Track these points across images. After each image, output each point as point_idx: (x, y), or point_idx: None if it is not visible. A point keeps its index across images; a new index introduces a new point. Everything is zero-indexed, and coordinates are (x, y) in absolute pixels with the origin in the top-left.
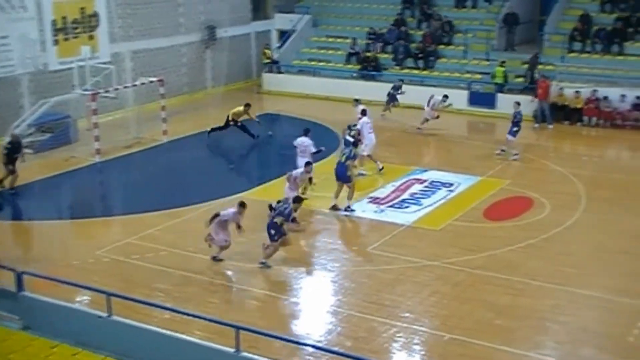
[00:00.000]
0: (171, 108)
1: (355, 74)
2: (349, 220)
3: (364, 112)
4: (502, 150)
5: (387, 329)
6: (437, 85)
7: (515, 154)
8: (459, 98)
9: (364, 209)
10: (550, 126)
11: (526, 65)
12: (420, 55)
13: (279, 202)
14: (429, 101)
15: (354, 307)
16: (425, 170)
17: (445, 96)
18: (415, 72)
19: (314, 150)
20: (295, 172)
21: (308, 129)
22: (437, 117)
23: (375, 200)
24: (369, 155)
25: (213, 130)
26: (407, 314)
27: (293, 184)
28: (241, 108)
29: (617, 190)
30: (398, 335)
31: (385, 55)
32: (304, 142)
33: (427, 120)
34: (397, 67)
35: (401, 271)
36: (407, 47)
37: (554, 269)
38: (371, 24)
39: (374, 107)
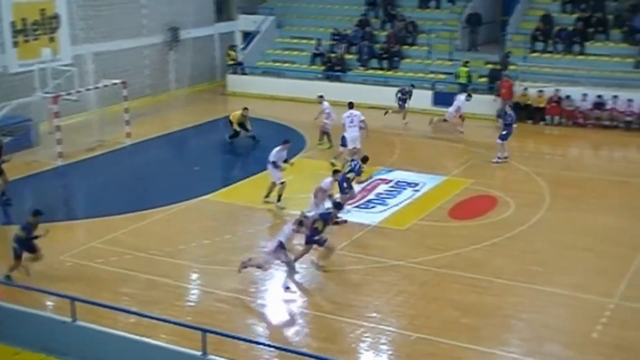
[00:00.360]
0: (134, 110)
1: (320, 75)
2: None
3: (350, 105)
4: (499, 158)
5: (354, 329)
6: (402, 85)
7: (498, 158)
8: (423, 98)
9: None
10: (514, 125)
11: (490, 65)
12: (384, 56)
13: (305, 215)
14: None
15: (320, 308)
16: (391, 171)
17: (469, 95)
18: (380, 72)
19: (272, 159)
20: (323, 184)
21: (287, 140)
22: (462, 118)
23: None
24: (352, 149)
25: (231, 137)
26: (374, 314)
27: (321, 197)
28: (239, 112)
29: (580, 189)
30: (365, 335)
31: (350, 56)
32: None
33: (445, 120)
34: (362, 68)
35: (367, 271)
36: (371, 47)
37: (518, 267)
38: (335, 24)
39: (338, 108)
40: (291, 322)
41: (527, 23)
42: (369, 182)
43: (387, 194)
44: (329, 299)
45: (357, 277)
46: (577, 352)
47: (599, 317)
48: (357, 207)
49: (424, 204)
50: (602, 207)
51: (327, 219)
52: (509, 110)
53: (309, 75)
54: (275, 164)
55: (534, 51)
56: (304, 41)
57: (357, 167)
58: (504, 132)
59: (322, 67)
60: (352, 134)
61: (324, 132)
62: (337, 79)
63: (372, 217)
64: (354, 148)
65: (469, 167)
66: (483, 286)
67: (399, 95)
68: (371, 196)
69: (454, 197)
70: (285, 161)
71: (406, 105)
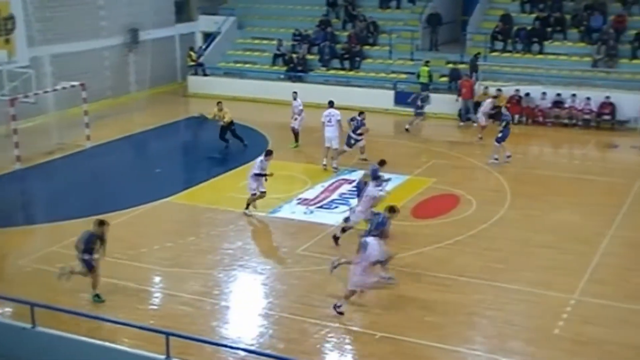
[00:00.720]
0: (94, 113)
1: (281, 76)
2: (279, 222)
3: (330, 104)
4: (496, 159)
5: (318, 329)
6: (364, 85)
7: (495, 159)
8: (385, 98)
9: (293, 210)
10: (475, 124)
11: (451, 65)
12: (346, 56)
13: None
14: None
15: (285, 309)
16: (354, 170)
17: (497, 93)
18: (341, 72)
19: (256, 171)
20: (369, 192)
21: (270, 150)
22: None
23: (304, 202)
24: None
25: (238, 138)
26: (338, 314)
27: (366, 205)
28: (216, 109)
29: (540, 186)
30: (330, 335)
31: (311, 57)
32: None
33: (483, 127)
34: (323, 68)
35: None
36: (332, 48)
37: (481, 264)
38: (296, 25)
39: (305, 108)
40: (256, 323)
41: (487, 23)
42: (332, 182)
43: (350, 194)
44: (293, 300)
45: (321, 278)
46: (539, 349)
47: (561, 313)
48: (320, 207)
49: (386, 203)
50: (562, 204)
51: (385, 225)
52: (504, 112)
53: (271, 76)
54: (257, 175)
55: (494, 50)
56: (265, 42)
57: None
58: (500, 135)
59: (284, 68)
60: (328, 133)
61: (294, 131)
62: (299, 80)
63: (335, 217)
64: (333, 148)
65: (432, 166)
66: (446, 284)
67: (418, 102)
68: (334, 196)
69: (417, 196)
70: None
71: (424, 111)
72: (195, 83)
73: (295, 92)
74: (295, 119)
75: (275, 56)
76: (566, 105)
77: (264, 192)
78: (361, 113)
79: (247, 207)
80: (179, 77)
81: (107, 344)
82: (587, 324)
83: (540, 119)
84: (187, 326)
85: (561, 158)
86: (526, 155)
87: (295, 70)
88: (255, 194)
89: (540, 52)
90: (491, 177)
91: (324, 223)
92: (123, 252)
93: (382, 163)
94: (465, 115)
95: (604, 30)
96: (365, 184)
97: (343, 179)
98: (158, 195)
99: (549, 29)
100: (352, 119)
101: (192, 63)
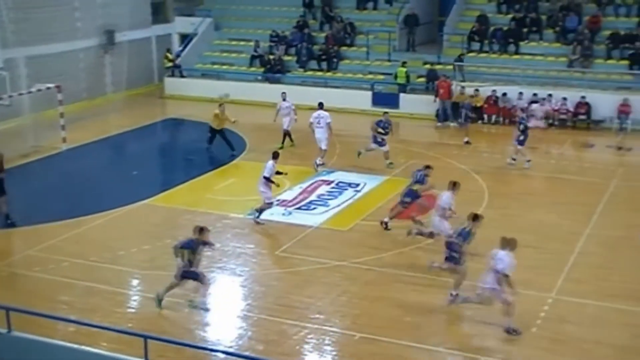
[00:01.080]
0: (70, 115)
1: (259, 77)
2: (258, 225)
3: (320, 105)
4: (513, 159)
5: (297, 331)
6: (341, 86)
7: (528, 161)
8: (363, 99)
9: (271, 212)
10: (453, 125)
11: (428, 66)
12: (323, 57)
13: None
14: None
15: (264, 311)
16: (332, 171)
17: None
18: (319, 73)
19: (267, 174)
20: (443, 203)
21: (277, 152)
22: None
23: (282, 203)
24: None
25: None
26: (317, 315)
27: (442, 214)
28: (217, 111)
29: (518, 186)
30: (309, 336)
31: (289, 58)
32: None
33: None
34: (301, 69)
35: (310, 273)
36: (310, 49)
37: None
38: (274, 26)
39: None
40: (234, 325)
41: (464, 23)
42: (310, 183)
43: (328, 195)
44: (272, 301)
45: (300, 279)
46: (518, 347)
47: (539, 312)
48: (298, 208)
49: (365, 204)
50: (539, 203)
51: (468, 237)
52: (521, 114)
53: (248, 77)
54: (268, 180)
55: (471, 51)
56: (242, 43)
57: (422, 177)
58: (521, 138)
59: (261, 69)
60: (317, 134)
61: (285, 132)
62: (276, 81)
63: (313, 218)
64: (322, 149)
65: (410, 167)
66: (425, 284)
67: (464, 112)
68: (312, 197)
69: (395, 196)
70: (278, 173)
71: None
72: (173, 85)
73: (284, 93)
74: (284, 121)
75: (253, 57)
76: (552, 105)
77: (271, 203)
78: (385, 113)
79: (259, 215)
80: (156, 78)
81: (84, 348)
82: (565, 323)
83: (517, 119)
84: (165, 329)
85: (538, 158)
86: (503, 155)
87: (273, 71)
88: (271, 203)
89: (517, 53)
90: (469, 178)
91: (303, 224)
92: (100, 254)
93: (428, 167)
94: (444, 115)
95: (579, 31)
96: (416, 191)
97: (322, 180)
98: (135, 198)
99: (525, 30)
100: (378, 122)
101: (169, 64)
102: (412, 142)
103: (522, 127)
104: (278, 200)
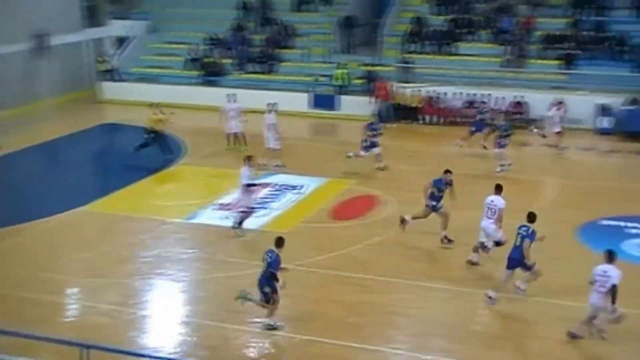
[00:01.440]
0: (2, 121)
1: (196, 80)
2: (197, 229)
3: (269, 107)
4: (502, 165)
5: (240, 335)
6: (280, 89)
7: (508, 164)
8: (301, 101)
9: (211, 216)
10: (393, 126)
11: (366, 67)
12: (261, 60)
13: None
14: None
15: (206, 316)
16: (273, 174)
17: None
18: (257, 76)
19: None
20: (502, 205)
21: (250, 156)
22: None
23: (222, 207)
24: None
25: (141, 146)
26: (260, 319)
27: (496, 221)
28: (158, 113)
29: (457, 185)
30: (253, 340)
31: (227, 61)
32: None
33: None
34: (239, 72)
35: (252, 276)
36: (247, 51)
37: (400, 263)
38: (211, 29)
39: (216, 113)
40: (176, 332)
41: (401, 25)
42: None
43: (269, 198)
44: (214, 306)
45: (243, 283)
46: (459, 345)
47: (480, 309)
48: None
49: (306, 206)
50: (478, 202)
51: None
52: (501, 120)
53: (186, 81)
54: (248, 186)
55: (409, 52)
56: (180, 46)
57: (440, 183)
58: (502, 142)
59: (199, 72)
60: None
61: (232, 134)
62: (214, 84)
63: (254, 221)
64: (272, 148)
65: (351, 168)
66: (367, 285)
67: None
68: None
69: (337, 198)
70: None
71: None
72: (109, 89)
73: (234, 95)
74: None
75: (191, 60)
76: (478, 105)
77: (252, 209)
78: (374, 115)
79: (239, 225)
80: (90, 83)
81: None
82: (505, 319)
83: (454, 118)
84: (106, 337)
85: (475, 157)
86: (442, 155)
87: (211, 74)
88: (248, 211)
89: (453, 54)
90: (409, 177)
91: (243, 228)
92: (38, 263)
93: (447, 172)
94: (385, 117)
95: (513, 32)
96: (436, 196)
97: (262, 183)
98: (73, 205)
99: (461, 31)
100: (368, 125)
101: (104, 69)
102: (352, 143)
103: (503, 128)
104: (218, 204)
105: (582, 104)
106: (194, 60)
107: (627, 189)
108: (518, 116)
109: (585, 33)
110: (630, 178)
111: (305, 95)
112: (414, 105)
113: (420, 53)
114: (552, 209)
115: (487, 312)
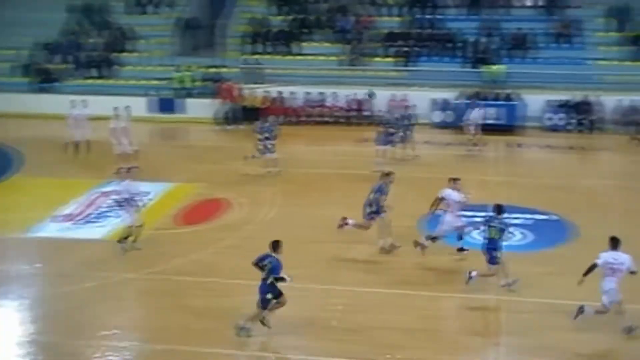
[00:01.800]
0: None
1: (28, 87)
2: (38, 242)
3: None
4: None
5: (93, 350)
6: (119, 93)
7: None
8: (140, 105)
9: (52, 228)
10: (241, 127)
11: (203, 69)
12: (98, 64)
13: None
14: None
15: (54, 333)
16: (121, 181)
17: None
18: (94, 81)
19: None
20: (454, 197)
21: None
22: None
23: (62, 218)
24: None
25: None
26: (113, 331)
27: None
28: None
29: (304, 184)
30: (106, 354)
31: (61, 66)
32: None
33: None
34: (74, 78)
35: (101, 288)
36: (83, 56)
37: (250, 265)
38: (42, 33)
39: (52, 121)
40: (22, 351)
41: (241, 26)
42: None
43: (111, 207)
44: (62, 322)
45: (90, 296)
46: (310, 342)
47: (337, 305)
48: (80, 222)
49: (154, 212)
50: (329, 199)
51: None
52: (391, 117)
53: (15, 88)
54: (131, 201)
55: (253, 53)
56: (9, 52)
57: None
58: (384, 137)
59: (30, 79)
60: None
61: (74, 142)
62: (47, 90)
63: (98, 231)
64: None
65: (199, 172)
66: (220, 289)
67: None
68: (92, 210)
69: (185, 202)
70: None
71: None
72: None
73: (84, 101)
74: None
75: (21, 67)
76: (319, 104)
77: (141, 226)
78: (271, 116)
79: (125, 239)
80: None
81: None
82: (355, 312)
83: (301, 118)
84: None
85: (321, 155)
86: (290, 154)
87: (45, 81)
88: (134, 226)
89: (296, 54)
90: (259, 179)
91: (87, 238)
92: None
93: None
94: (232, 118)
95: (353, 31)
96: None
97: (101, 192)
98: None
99: (301, 31)
100: (260, 127)
101: None
102: (198, 146)
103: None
104: (58, 216)
105: (419, 99)
106: (25, 66)
107: (465, 180)
108: (355, 113)
109: (420, 31)
110: (469, 169)
111: (143, 99)
112: (260, 105)
113: (264, 54)
114: (402, 202)
115: (344, 307)
